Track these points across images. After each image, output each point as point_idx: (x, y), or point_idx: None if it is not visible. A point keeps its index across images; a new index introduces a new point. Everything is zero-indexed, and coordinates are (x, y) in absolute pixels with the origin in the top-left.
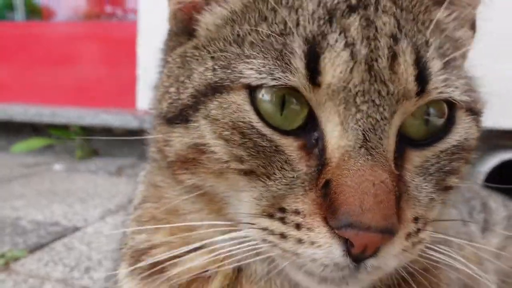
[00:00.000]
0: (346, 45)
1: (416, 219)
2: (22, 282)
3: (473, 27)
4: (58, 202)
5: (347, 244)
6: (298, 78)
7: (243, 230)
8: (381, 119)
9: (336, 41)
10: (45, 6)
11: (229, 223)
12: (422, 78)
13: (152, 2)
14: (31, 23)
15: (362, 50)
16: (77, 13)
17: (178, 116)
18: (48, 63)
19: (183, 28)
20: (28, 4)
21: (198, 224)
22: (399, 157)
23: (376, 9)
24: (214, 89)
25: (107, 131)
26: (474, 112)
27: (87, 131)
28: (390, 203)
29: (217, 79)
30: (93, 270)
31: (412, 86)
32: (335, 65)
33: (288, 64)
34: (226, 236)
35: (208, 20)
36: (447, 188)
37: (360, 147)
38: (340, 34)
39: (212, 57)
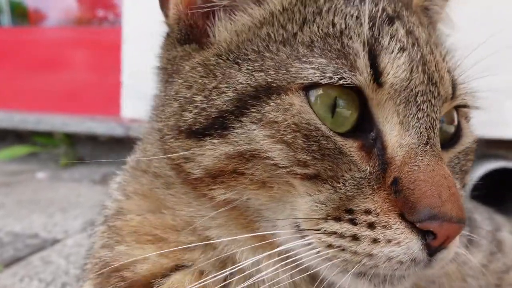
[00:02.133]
0: (401, 48)
1: None
2: None
3: None
4: (38, 212)
5: (426, 238)
6: (364, 77)
7: (303, 238)
8: (436, 118)
9: (389, 44)
10: (34, 9)
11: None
12: (454, 84)
13: (137, 7)
14: (16, 28)
15: (417, 54)
16: (68, 17)
17: (211, 126)
18: (34, 69)
19: (189, 35)
20: (15, 7)
21: (221, 240)
22: None
23: (409, 21)
24: (268, 91)
25: (92, 138)
26: (468, 119)
27: (72, 138)
28: (459, 194)
29: (271, 80)
30: (69, 286)
31: (450, 90)
32: (395, 66)
33: (353, 64)
34: (284, 247)
35: (231, 26)
36: (464, 186)
37: (426, 144)
38: (391, 38)
39: (255, 60)
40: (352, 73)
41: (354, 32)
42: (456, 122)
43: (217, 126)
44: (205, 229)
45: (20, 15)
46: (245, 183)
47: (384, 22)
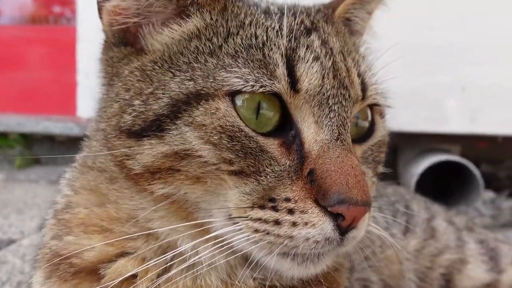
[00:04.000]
0: (315, 58)
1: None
2: None
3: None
4: None
5: (337, 220)
6: (282, 85)
7: (235, 225)
8: (347, 117)
9: (305, 54)
10: None
11: (197, 224)
12: (363, 87)
13: (91, 6)
14: None
15: (329, 62)
16: (23, 14)
17: (149, 128)
18: None
19: (121, 39)
20: None
21: (163, 230)
22: None
23: (325, 32)
24: (197, 97)
25: (49, 138)
26: (383, 116)
27: (28, 138)
28: (365, 181)
29: (199, 88)
30: (24, 284)
31: (360, 92)
32: (309, 74)
33: (272, 73)
34: (206, 236)
35: (160, 38)
36: (377, 175)
37: (336, 139)
38: (307, 49)
39: (186, 70)
40: (272, 81)
41: (274, 44)
42: (369, 118)
43: (154, 128)
44: (147, 221)
45: None
46: (181, 178)
47: (301, 34)
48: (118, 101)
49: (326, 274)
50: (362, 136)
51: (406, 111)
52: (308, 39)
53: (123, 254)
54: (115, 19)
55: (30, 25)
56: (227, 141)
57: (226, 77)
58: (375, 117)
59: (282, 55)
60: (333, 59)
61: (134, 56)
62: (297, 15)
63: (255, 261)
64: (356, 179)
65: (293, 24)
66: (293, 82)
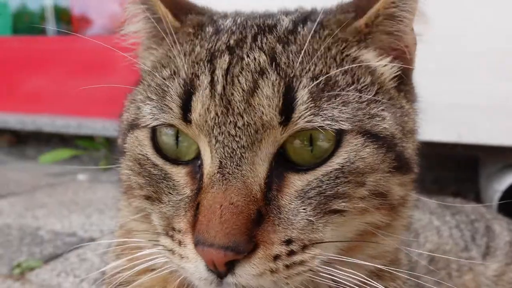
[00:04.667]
0: (210, 83)
1: (288, 242)
2: None
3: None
4: (77, 213)
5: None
6: (174, 117)
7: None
8: (238, 147)
9: (204, 81)
10: (79, 16)
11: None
12: (286, 109)
13: None
14: (60, 37)
15: (218, 88)
16: (113, 23)
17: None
18: (76, 76)
19: None
20: (60, 14)
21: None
22: (277, 182)
23: (251, 47)
24: (130, 127)
25: None
26: (376, 136)
27: (112, 142)
28: (236, 223)
29: (131, 119)
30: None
31: (270, 116)
32: (198, 103)
33: (166, 105)
34: (146, 251)
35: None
36: (334, 212)
37: (217, 173)
38: (208, 73)
39: (134, 100)
40: (165, 114)
41: (179, 74)
42: (332, 142)
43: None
44: (137, 233)
45: (65, 22)
46: (135, 195)
47: (218, 55)
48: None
49: None
50: (322, 161)
51: (487, 122)
52: (219, 60)
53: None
54: None
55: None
56: (137, 167)
57: (143, 110)
58: (344, 139)
59: (180, 85)
60: (234, 81)
61: None
62: (230, 34)
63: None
64: (221, 219)
65: (216, 44)
66: (186, 113)
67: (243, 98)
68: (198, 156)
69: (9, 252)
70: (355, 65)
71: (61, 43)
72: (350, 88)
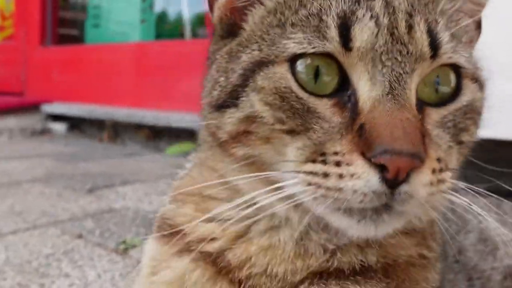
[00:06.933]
0: (371, 17)
1: (439, 160)
2: (130, 266)
3: (478, 27)
4: None
5: (383, 172)
6: (333, 45)
7: (294, 179)
8: (403, 72)
9: (364, 15)
10: None
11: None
12: (434, 45)
13: None
14: (194, 41)
15: (384, 20)
16: None
17: (228, 99)
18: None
19: (228, 31)
20: (198, 20)
21: (245, 189)
22: (419, 111)
23: None
24: (261, 64)
25: None
26: (479, 82)
27: None
28: (417, 134)
29: (263, 56)
30: None
31: (426, 49)
32: (362, 33)
33: (324, 35)
34: (274, 186)
35: (252, 19)
36: (461, 143)
37: (387, 94)
38: (366, 10)
39: (257, 42)
40: (322, 42)
41: (330, 8)
42: (453, 83)
43: (232, 98)
44: (232, 182)
45: (202, 26)
46: (254, 139)
47: None
48: (210, 81)
49: (395, 267)
50: (445, 100)
51: None
52: (372, 2)
53: (209, 220)
54: (223, 11)
55: None
56: (279, 101)
57: (285, 43)
58: (462, 81)
59: (336, 18)
60: (393, 17)
61: (228, 43)
62: None
63: (323, 222)
64: (405, 131)
65: None
66: (346, 41)
67: (406, 31)
68: (338, 89)
69: (120, 230)
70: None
71: (196, 45)
72: (466, 42)
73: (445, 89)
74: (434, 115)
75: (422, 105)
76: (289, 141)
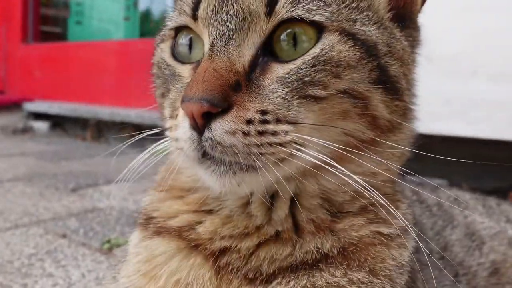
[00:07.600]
0: None
1: (263, 112)
2: (115, 266)
3: None
4: None
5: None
6: (186, 18)
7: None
8: (227, 30)
9: None
10: None
11: None
12: (272, 2)
13: None
14: None
15: None
16: None
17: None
18: None
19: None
20: None
21: None
22: (261, 68)
23: None
24: (157, 45)
25: None
26: (353, 36)
27: None
28: (214, 82)
29: (160, 39)
30: None
31: (254, 7)
32: (203, 4)
33: (183, 10)
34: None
35: None
36: (309, 96)
37: (209, 50)
38: None
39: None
40: (181, 16)
41: None
42: (305, 38)
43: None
44: None
45: None
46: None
47: None
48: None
49: (352, 249)
50: (300, 55)
51: None
52: None
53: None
54: None
55: None
56: (157, 71)
57: (168, 24)
58: (324, 36)
59: None
60: None
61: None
62: None
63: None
64: (203, 79)
65: None
66: (194, 14)
67: None
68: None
69: (104, 230)
70: None
71: None
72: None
73: (302, 45)
74: (279, 70)
75: (267, 62)
76: (164, 104)
